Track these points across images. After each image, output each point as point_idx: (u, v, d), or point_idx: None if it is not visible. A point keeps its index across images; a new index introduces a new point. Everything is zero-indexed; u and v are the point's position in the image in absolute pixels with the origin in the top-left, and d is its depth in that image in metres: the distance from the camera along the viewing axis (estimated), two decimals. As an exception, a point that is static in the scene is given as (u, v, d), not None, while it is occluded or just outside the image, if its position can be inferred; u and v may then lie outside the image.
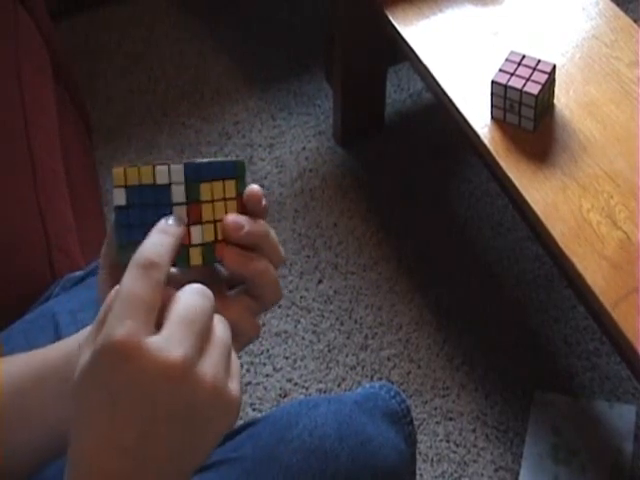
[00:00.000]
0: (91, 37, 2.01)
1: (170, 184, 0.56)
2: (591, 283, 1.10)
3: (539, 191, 1.18)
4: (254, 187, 0.58)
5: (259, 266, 0.57)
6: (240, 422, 0.87)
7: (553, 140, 1.24)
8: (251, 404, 1.47)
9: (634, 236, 1.13)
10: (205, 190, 0.56)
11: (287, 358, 1.53)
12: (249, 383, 1.49)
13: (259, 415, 1.44)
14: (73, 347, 0.61)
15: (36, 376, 0.62)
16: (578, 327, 1.54)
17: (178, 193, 0.56)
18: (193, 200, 0.56)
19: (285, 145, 1.81)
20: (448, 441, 1.43)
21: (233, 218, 0.56)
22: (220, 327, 0.51)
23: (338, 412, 0.82)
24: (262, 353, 1.53)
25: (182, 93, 1.91)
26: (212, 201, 0.57)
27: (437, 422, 1.45)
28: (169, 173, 0.55)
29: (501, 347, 1.52)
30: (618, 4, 1.42)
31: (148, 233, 0.53)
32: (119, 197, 0.56)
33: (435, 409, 1.46)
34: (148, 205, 0.55)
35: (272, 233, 0.58)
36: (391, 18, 1.42)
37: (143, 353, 0.47)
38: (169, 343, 0.48)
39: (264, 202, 0.58)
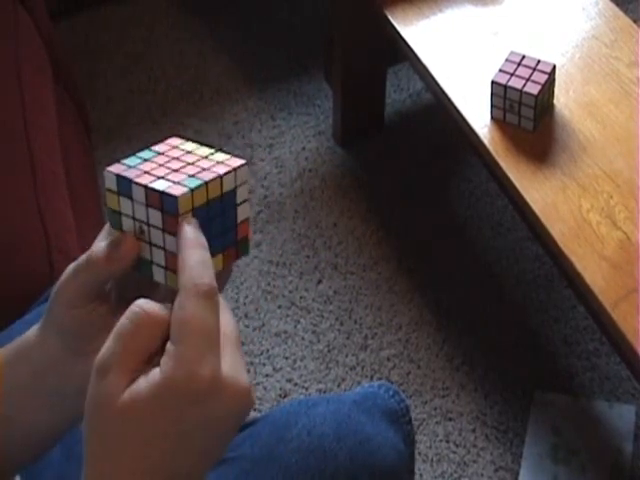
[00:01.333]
0: (91, 37, 2.02)
1: (236, 187, 0.53)
2: (591, 283, 1.10)
3: (539, 191, 1.18)
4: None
5: None
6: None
7: (553, 140, 1.24)
8: (251, 404, 1.47)
9: (634, 236, 1.13)
10: None
11: (287, 358, 1.53)
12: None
13: (259, 415, 1.44)
14: (29, 343, 0.60)
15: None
16: (578, 327, 1.54)
17: (243, 192, 0.54)
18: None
19: (285, 145, 1.81)
20: (448, 441, 1.43)
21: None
22: (227, 320, 0.51)
23: (337, 412, 0.82)
24: (262, 353, 1.53)
25: (182, 93, 1.91)
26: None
27: (437, 422, 1.45)
28: (235, 177, 0.53)
29: (501, 347, 1.52)
30: (618, 4, 1.42)
31: (214, 245, 0.52)
32: (191, 222, 0.52)
33: (435, 409, 1.46)
34: (214, 218, 0.53)
35: None
36: (391, 18, 1.42)
37: (223, 388, 0.47)
38: (232, 368, 0.48)
39: None
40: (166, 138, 0.56)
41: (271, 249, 1.66)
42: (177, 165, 0.53)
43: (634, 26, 1.37)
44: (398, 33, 1.41)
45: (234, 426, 0.50)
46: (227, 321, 0.50)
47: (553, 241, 1.15)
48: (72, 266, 0.56)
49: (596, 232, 1.14)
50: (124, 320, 0.49)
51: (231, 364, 0.49)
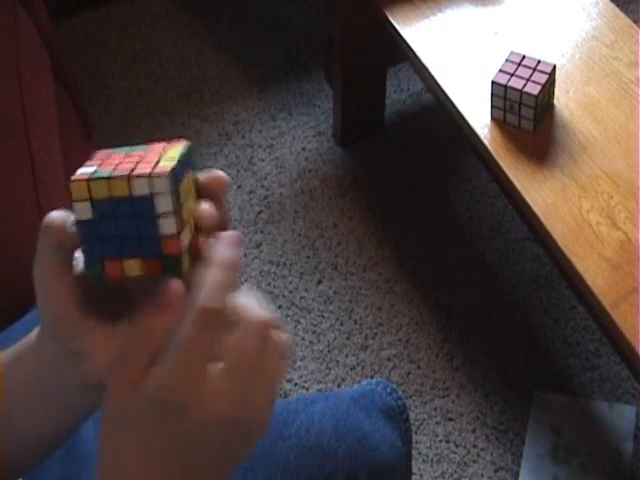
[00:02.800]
0: (91, 37, 2.01)
1: (152, 194, 0.50)
2: (591, 283, 1.10)
3: (539, 191, 1.18)
4: (219, 174, 0.55)
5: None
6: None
7: (553, 140, 1.24)
8: (251, 404, 1.47)
9: (634, 236, 1.13)
10: (182, 192, 0.51)
11: (287, 358, 1.52)
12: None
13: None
14: (29, 348, 0.60)
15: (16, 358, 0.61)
16: (578, 327, 1.54)
17: (164, 203, 0.50)
18: (178, 207, 0.50)
19: (285, 145, 1.81)
20: (448, 441, 1.43)
21: (208, 209, 0.53)
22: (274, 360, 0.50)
23: (335, 409, 0.82)
24: (262, 353, 1.53)
25: (182, 93, 1.91)
26: (186, 201, 0.52)
27: (437, 422, 1.45)
28: (150, 184, 0.50)
29: (501, 347, 1.52)
30: (618, 5, 1.42)
31: (124, 246, 0.50)
32: (83, 211, 0.50)
33: (435, 409, 1.46)
34: (123, 217, 0.50)
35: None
36: (391, 18, 1.42)
37: (202, 406, 0.47)
38: (227, 392, 0.47)
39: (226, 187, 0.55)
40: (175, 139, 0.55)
41: (271, 249, 1.66)
42: (133, 159, 0.52)
43: (634, 26, 1.37)
44: (398, 33, 1.41)
45: (249, 447, 0.50)
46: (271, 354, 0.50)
47: (553, 241, 1.15)
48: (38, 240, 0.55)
49: (596, 232, 1.14)
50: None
51: (260, 398, 0.49)
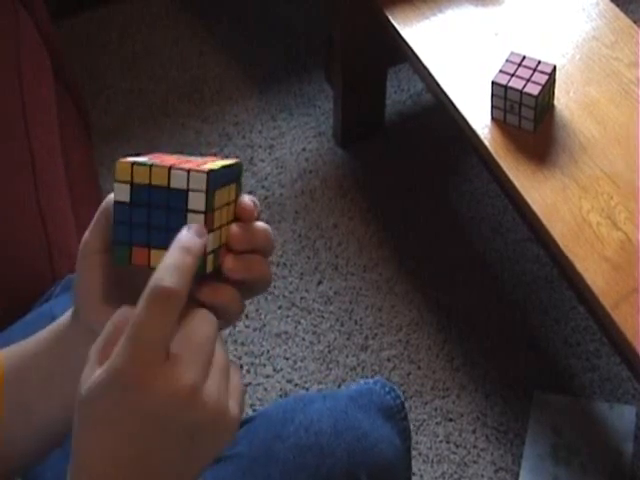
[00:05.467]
0: (91, 37, 2.01)
1: (188, 190, 0.52)
2: (591, 284, 1.10)
3: (539, 192, 1.18)
4: (247, 201, 0.57)
5: (258, 269, 0.56)
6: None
7: (553, 141, 1.24)
8: (251, 405, 1.47)
9: (634, 237, 1.13)
10: (218, 197, 0.54)
11: (287, 359, 1.53)
12: (249, 384, 1.49)
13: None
14: (64, 324, 0.62)
15: (32, 357, 0.63)
16: (578, 328, 1.54)
17: (197, 200, 0.52)
18: (210, 209, 0.53)
19: (285, 146, 1.81)
20: (448, 442, 1.43)
21: (238, 231, 0.55)
22: (220, 350, 0.52)
23: (333, 408, 0.83)
24: (262, 354, 1.53)
25: (182, 93, 1.91)
26: (221, 208, 0.54)
27: (437, 423, 1.45)
28: (188, 179, 0.52)
29: (501, 347, 1.52)
30: (618, 5, 1.42)
31: (152, 236, 0.52)
32: (122, 193, 0.53)
33: (435, 410, 1.46)
34: (157, 206, 0.52)
35: (268, 228, 0.57)
36: (391, 18, 1.42)
37: (157, 382, 0.48)
38: (180, 369, 0.48)
39: (257, 211, 0.57)
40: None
41: (271, 249, 1.65)
42: (182, 160, 0.55)
43: (634, 27, 1.37)
44: (398, 33, 1.41)
45: (214, 445, 0.51)
46: (218, 345, 0.52)
47: (553, 242, 1.15)
48: (94, 220, 0.58)
49: (596, 233, 1.14)
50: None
51: (214, 385, 0.49)
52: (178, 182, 0.52)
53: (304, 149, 1.80)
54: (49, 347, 0.62)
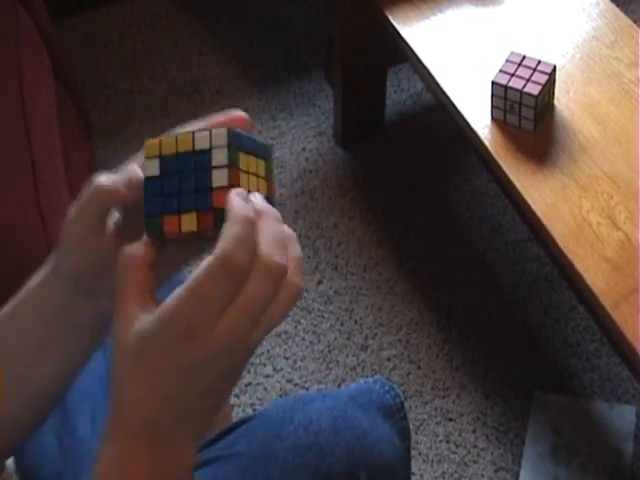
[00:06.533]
0: (91, 37, 2.01)
1: (211, 148, 0.54)
2: (591, 284, 1.10)
3: (539, 192, 1.18)
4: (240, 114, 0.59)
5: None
6: (236, 420, 0.87)
7: (553, 141, 1.24)
8: (251, 405, 1.47)
9: (634, 237, 1.13)
10: (243, 160, 0.55)
11: (287, 359, 1.53)
12: (249, 384, 1.49)
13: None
14: (38, 289, 0.64)
15: (16, 329, 0.64)
16: (578, 328, 1.54)
17: (219, 156, 0.54)
18: (234, 164, 0.54)
19: (285, 146, 1.81)
20: (448, 442, 1.43)
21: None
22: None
23: (333, 407, 0.82)
24: (262, 354, 1.53)
25: (182, 93, 1.91)
26: (248, 172, 0.55)
27: (437, 423, 1.45)
28: (210, 137, 0.54)
29: (501, 347, 1.52)
30: (618, 5, 1.42)
31: (182, 201, 0.54)
32: (152, 167, 0.55)
33: (435, 410, 1.46)
34: (185, 172, 0.55)
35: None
36: (391, 18, 1.42)
37: (212, 334, 0.50)
38: (234, 324, 0.51)
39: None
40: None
41: (271, 249, 1.65)
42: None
43: (634, 27, 1.37)
44: (398, 33, 1.41)
45: (238, 377, 0.54)
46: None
47: (553, 242, 1.15)
48: (81, 200, 0.59)
49: (596, 233, 1.14)
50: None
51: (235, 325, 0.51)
52: (202, 143, 0.55)
53: (304, 149, 1.80)
54: (34, 315, 0.63)
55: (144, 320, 0.51)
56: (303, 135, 1.82)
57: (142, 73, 1.94)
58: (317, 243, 1.66)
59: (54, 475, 0.81)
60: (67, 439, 0.79)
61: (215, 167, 0.54)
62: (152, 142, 0.56)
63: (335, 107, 1.77)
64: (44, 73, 1.35)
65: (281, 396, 1.48)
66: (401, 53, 1.44)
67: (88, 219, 0.59)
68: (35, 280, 0.63)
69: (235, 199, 0.52)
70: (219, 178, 0.54)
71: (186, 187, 0.54)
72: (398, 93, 1.88)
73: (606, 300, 1.08)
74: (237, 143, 0.55)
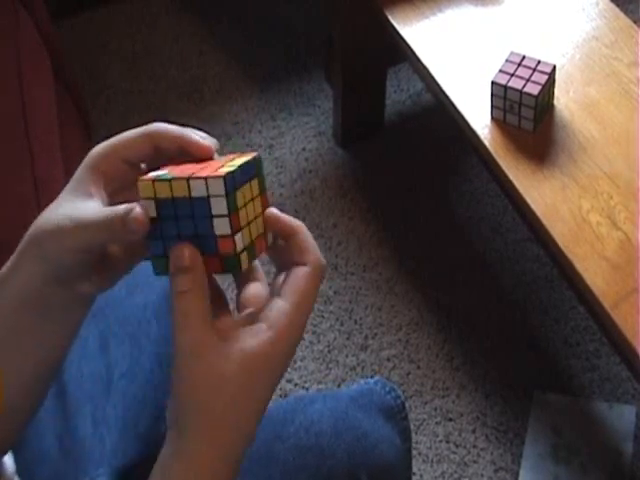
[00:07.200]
0: (91, 37, 2.01)
1: (208, 196, 0.54)
2: (591, 284, 1.10)
3: (539, 192, 1.18)
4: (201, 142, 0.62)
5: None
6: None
7: (553, 141, 1.24)
8: (251, 404, 1.47)
9: (634, 237, 1.13)
10: (240, 197, 0.55)
11: (287, 358, 1.52)
12: (249, 383, 1.49)
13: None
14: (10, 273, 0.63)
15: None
16: (578, 328, 1.54)
17: (218, 205, 0.54)
18: (234, 210, 0.54)
19: (285, 146, 1.81)
20: (448, 442, 1.43)
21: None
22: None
23: (334, 408, 0.82)
24: (262, 353, 1.53)
25: (182, 93, 1.91)
26: (245, 205, 0.56)
27: (437, 423, 1.45)
28: (207, 186, 0.54)
29: (501, 347, 1.52)
30: (618, 5, 1.42)
31: (184, 243, 0.55)
32: (148, 209, 0.55)
33: (435, 410, 1.46)
34: (184, 217, 0.55)
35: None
36: (391, 18, 1.42)
37: (286, 337, 0.56)
38: (301, 324, 0.57)
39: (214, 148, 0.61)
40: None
41: (271, 249, 1.66)
42: (200, 166, 0.57)
43: (634, 27, 1.37)
44: (398, 33, 1.41)
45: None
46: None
47: (553, 242, 1.15)
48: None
49: (596, 232, 1.14)
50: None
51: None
52: (198, 191, 0.54)
53: (304, 149, 1.80)
54: (10, 299, 0.62)
55: (248, 344, 0.54)
56: (303, 135, 1.82)
57: (142, 73, 1.94)
58: (317, 243, 1.66)
59: (54, 476, 0.81)
60: (67, 440, 0.79)
61: (216, 216, 0.54)
62: (146, 183, 0.55)
63: (335, 107, 1.77)
64: (44, 73, 1.35)
65: (281, 396, 1.48)
66: (401, 53, 1.44)
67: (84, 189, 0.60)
68: (12, 262, 0.63)
69: (275, 212, 0.57)
70: (221, 226, 0.54)
71: (186, 231, 0.55)
72: (398, 93, 1.88)
73: (606, 300, 1.08)
74: (232, 185, 0.55)
